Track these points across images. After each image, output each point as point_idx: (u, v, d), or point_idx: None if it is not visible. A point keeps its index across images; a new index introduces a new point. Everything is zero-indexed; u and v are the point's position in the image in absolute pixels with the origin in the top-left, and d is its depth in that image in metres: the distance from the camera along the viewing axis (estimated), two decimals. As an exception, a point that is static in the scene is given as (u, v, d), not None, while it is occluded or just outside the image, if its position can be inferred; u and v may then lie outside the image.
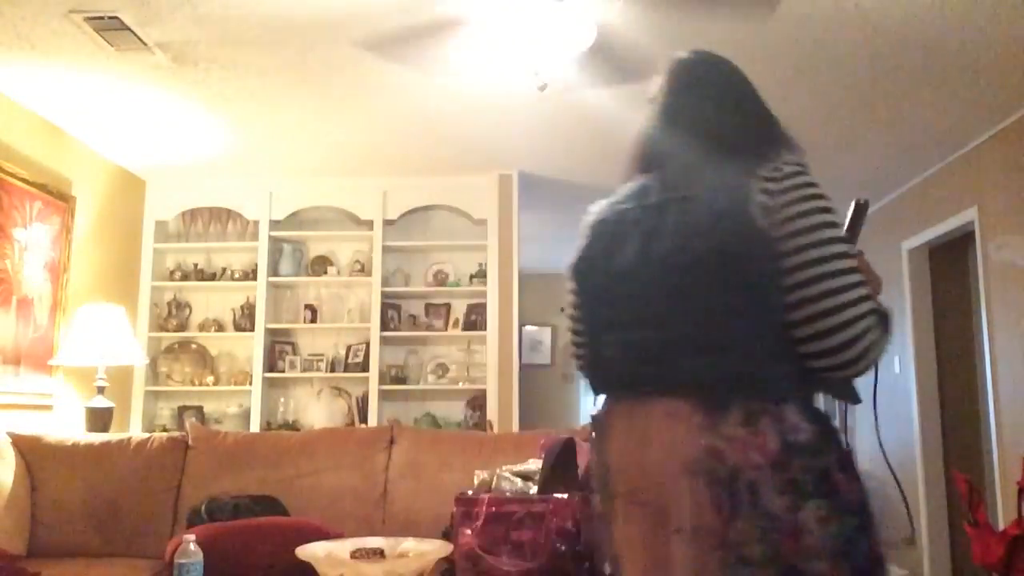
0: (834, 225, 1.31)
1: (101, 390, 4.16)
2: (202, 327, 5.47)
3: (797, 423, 1.27)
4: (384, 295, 5.41)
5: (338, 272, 5.54)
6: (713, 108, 1.49)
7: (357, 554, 1.75)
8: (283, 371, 5.41)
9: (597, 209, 1.55)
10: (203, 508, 3.08)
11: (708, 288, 1.32)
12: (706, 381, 1.30)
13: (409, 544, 1.81)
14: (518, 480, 2.06)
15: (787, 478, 1.23)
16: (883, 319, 1.32)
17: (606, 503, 1.43)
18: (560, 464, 2.05)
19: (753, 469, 1.24)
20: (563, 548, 1.78)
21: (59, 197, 4.38)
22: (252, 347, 5.35)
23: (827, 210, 1.31)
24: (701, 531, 1.25)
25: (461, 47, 3.56)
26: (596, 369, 1.51)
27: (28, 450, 3.43)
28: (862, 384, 1.39)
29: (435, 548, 1.78)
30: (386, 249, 5.44)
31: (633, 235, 1.42)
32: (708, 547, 1.24)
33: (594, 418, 1.49)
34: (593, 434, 1.51)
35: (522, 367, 5.59)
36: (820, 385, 1.36)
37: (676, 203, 1.39)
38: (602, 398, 1.51)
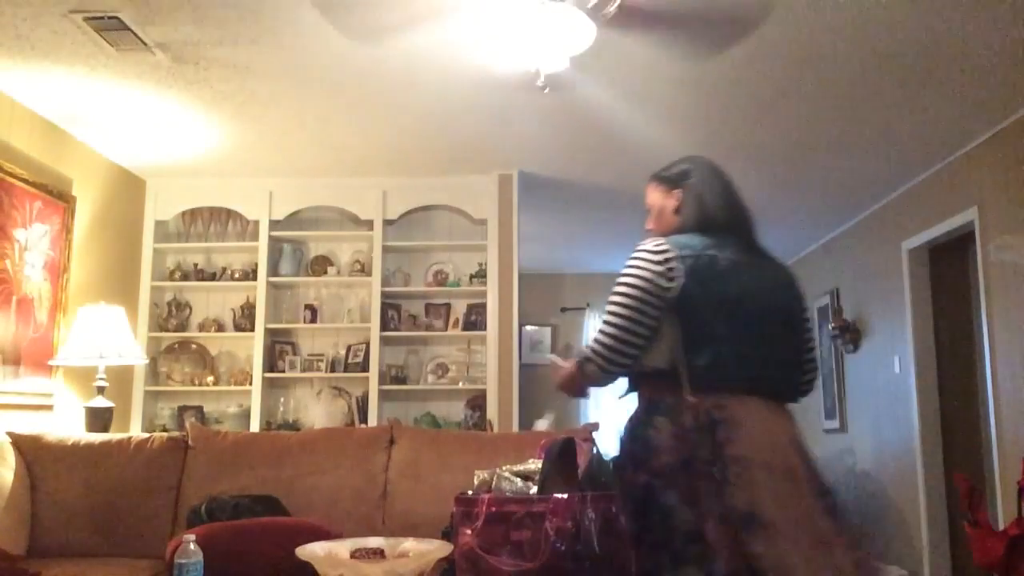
0: None
1: (101, 390, 4.16)
2: (202, 327, 5.47)
3: None
4: (384, 295, 5.41)
5: (338, 272, 5.54)
6: (741, 203, 2.24)
7: (357, 554, 1.75)
8: (283, 371, 5.41)
9: (675, 245, 2.09)
10: (203, 508, 3.08)
11: (793, 328, 2.16)
12: (789, 391, 2.13)
13: (409, 544, 1.81)
14: (518, 480, 2.06)
15: None
16: None
17: (734, 471, 1.93)
18: (560, 464, 2.05)
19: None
20: (563, 548, 1.78)
21: (59, 197, 4.38)
22: (252, 347, 5.35)
23: None
24: (814, 480, 2.00)
25: (461, 46, 3.56)
26: (698, 374, 2.02)
27: (28, 450, 3.43)
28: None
29: (435, 548, 1.77)
30: (386, 249, 5.44)
31: (742, 276, 2.09)
32: (820, 487, 2.00)
33: (707, 408, 2.01)
34: (704, 423, 1.99)
35: (522, 367, 5.58)
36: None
37: (764, 263, 2.18)
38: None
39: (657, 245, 2.11)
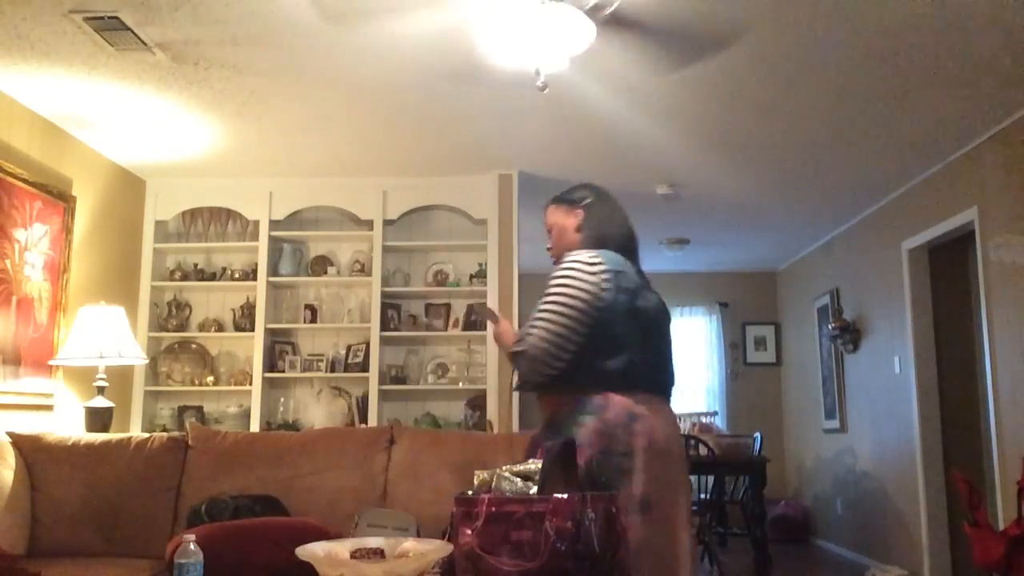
0: None
1: (101, 390, 4.16)
2: (202, 327, 5.47)
3: None
4: (384, 295, 5.41)
5: (338, 272, 5.54)
6: (632, 226, 2.50)
7: (357, 554, 1.74)
8: (283, 371, 5.41)
9: (607, 260, 2.29)
10: (203, 508, 3.08)
11: (670, 340, 2.41)
12: (670, 390, 2.39)
13: (409, 544, 1.81)
14: (518, 480, 2.05)
15: None
16: None
17: (639, 457, 2.19)
18: (560, 464, 2.05)
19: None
20: (563, 548, 1.78)
21: (59, 197, 4.38)
22: (252, 347, 5.35)
23: None
24: (687, 460, 2.40)
25: (461, 46, 3.56)
26: (613, 376, 2.24)
27: (28, 450, 3.43)
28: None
29: (435, 548, 1.77)
30: (386, 249, 5.44)
31: (646, 293, 2.35)
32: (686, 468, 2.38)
33: (618, 408, 2.25)
34: (624, 418, 2.23)
35: (522, 367, 5.58)
36: None
37: (649, 289, 2.39)
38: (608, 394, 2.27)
39: (592, 258, 2.27)
